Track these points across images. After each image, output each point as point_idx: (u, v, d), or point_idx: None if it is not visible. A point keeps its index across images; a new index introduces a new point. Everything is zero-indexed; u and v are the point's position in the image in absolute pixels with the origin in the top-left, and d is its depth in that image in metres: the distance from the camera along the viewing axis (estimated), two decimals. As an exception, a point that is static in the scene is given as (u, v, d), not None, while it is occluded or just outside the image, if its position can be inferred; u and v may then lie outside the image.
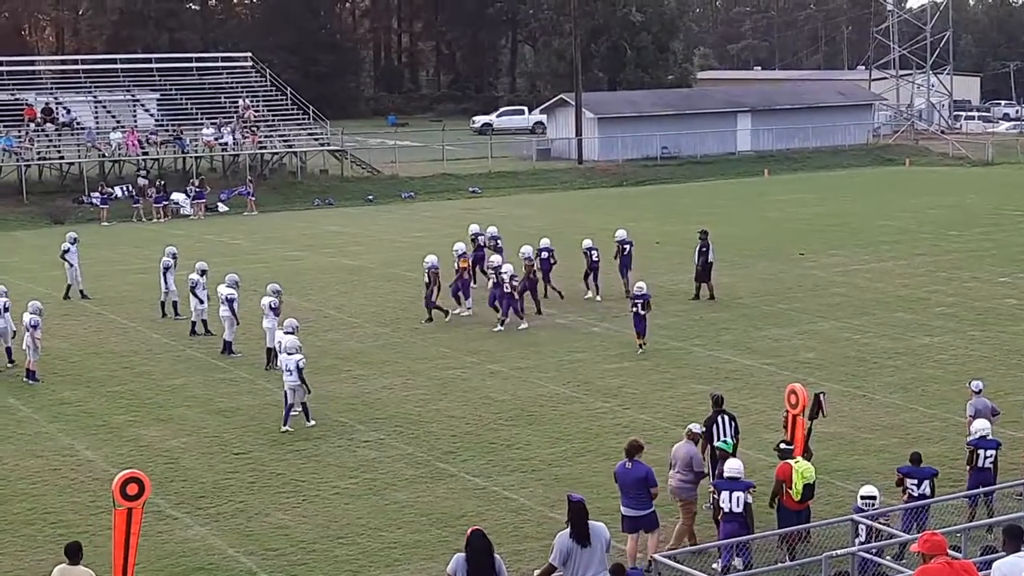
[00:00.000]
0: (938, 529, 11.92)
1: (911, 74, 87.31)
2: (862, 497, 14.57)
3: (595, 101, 71.43)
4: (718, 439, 16.22)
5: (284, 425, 20.87)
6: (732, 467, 14.68)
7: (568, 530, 11.66)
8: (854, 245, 39.54)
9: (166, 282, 30.08)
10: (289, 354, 21.02)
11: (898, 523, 14.69)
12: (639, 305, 25.57)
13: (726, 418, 16.63)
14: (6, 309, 25.71)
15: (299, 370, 20.83)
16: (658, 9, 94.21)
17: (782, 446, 15.57)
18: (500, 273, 28.22)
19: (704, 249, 31.00)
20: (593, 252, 31.26)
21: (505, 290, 27.98)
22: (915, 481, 15.34)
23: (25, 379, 24.49)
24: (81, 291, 33.09)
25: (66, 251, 33.06)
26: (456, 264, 29.76)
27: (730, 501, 14.41)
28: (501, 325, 28.00)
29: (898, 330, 27.46)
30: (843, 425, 20.44)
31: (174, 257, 30.42)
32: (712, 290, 31.15)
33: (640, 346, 25.69)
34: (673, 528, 15.52)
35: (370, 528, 16.63)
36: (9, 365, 25.63)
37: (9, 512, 17.48)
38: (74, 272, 33.15)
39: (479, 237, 33.59)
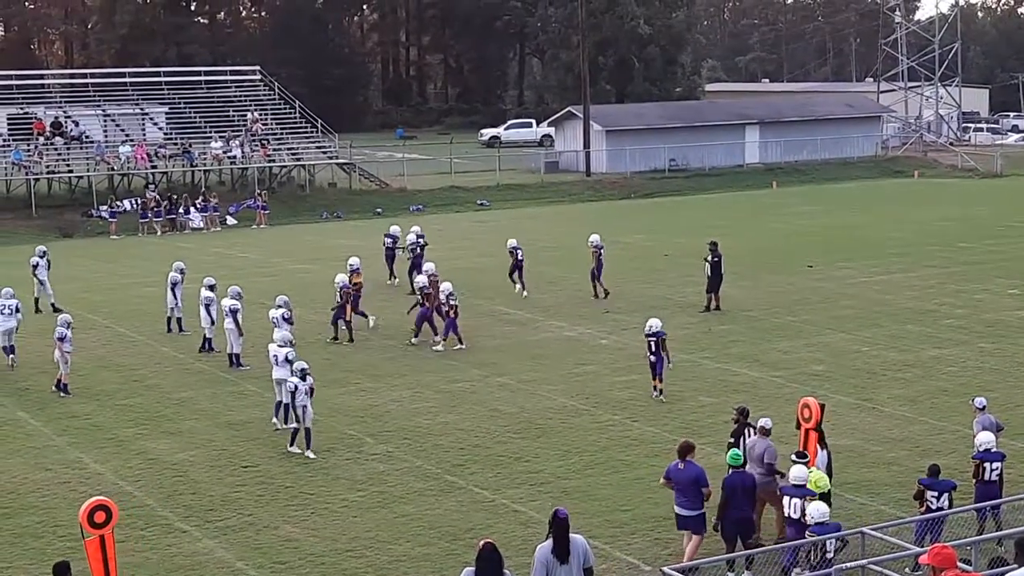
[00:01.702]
0: (948, 542, 11.89)
1: (919, 86, 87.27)
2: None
3: (603, 114, 71.46)
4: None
5: (293, 446, 20.68)
6: (797, 475, 14.92)
7: (549, 544, 11.66)
8: (863, 257, 39.48)
9: (174, 297, 29.99)
10: (293, 373, 20.62)
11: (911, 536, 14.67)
12: (652, 344, 23.10)
13: (751, 431, 16.65)
14: (17, 310, 26.73)
15: (291, 394, 20.44)
16: (666, 22, 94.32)
17: (793, 457, 15.53)
18: (425, 291, 28.20)
19: (716, 260, 30.97)
20: (518, 251, 33.24)
21: (444, 310, 27.75)
22: (935, 493, 15.38)
23: (55, 389, 24.50)
24: (52, 304, 32.47)
25: (36, 266, 33.06)
26: (349, 280, 29.43)
27: (790, 507, 14.70)
28: (440, 345, 27.64)
29: (907, 342, 27.40)
30: (852, 437, 20.40)
31: (182, 272, 30.36)
32: (719, 301, 31.13)
33: (656, 388, 23.15)
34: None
35: (379, 541, 16.62)
36: (9, 367, 25.82)
37: (18, 525, 17.49)
38: (45, 285, 33.01)
39: (387, 239, 35.94)
